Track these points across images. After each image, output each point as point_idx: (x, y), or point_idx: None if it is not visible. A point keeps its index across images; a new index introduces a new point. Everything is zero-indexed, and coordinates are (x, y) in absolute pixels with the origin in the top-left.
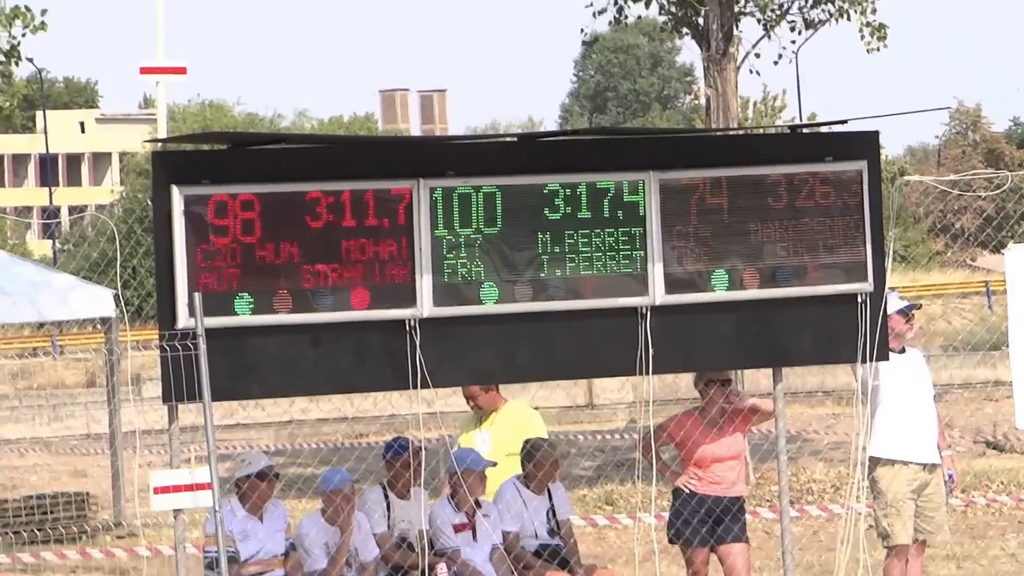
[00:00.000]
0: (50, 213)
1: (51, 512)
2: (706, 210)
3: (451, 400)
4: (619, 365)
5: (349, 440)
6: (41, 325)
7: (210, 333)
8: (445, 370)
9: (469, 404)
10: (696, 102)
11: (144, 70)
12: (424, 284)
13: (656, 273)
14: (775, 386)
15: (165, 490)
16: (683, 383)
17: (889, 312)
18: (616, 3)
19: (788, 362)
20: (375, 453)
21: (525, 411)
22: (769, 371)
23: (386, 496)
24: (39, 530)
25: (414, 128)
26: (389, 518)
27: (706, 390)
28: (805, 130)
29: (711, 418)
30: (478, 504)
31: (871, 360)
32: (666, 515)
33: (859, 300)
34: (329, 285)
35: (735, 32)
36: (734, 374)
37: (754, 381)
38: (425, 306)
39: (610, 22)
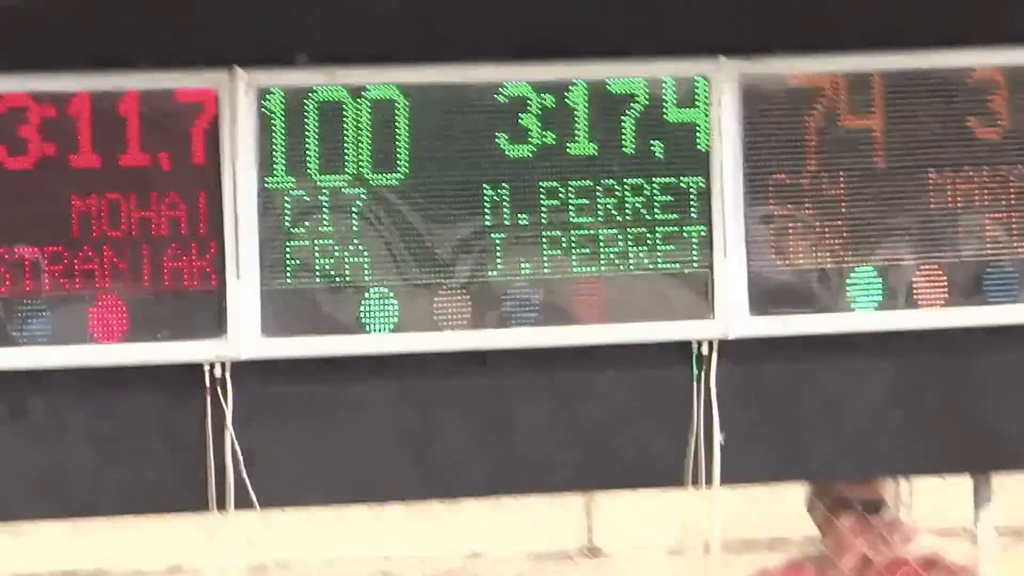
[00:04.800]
0: None
1: None
2: (839, 142)
3: (302, 534)
4: (651, 468)
5: None
6: None
7: None
8: (286, 475)
9: None
10: None
11: None
12: (243, 292)
13: (731, 274)
14: (977, 515)
15: None
16: (785, 507)
17: None
18: None
19: (1014, 464)
20: None
21: None
22: (968, 485)
23: None
24: None
25: None
26: None
27: (832, 522)
28: None
29: None
30: None
31: None
32: None
33: None
34: (42, 292)
35: None
36: (890, 490)
37: (936, 505)
38: (244, 337)
39: None
